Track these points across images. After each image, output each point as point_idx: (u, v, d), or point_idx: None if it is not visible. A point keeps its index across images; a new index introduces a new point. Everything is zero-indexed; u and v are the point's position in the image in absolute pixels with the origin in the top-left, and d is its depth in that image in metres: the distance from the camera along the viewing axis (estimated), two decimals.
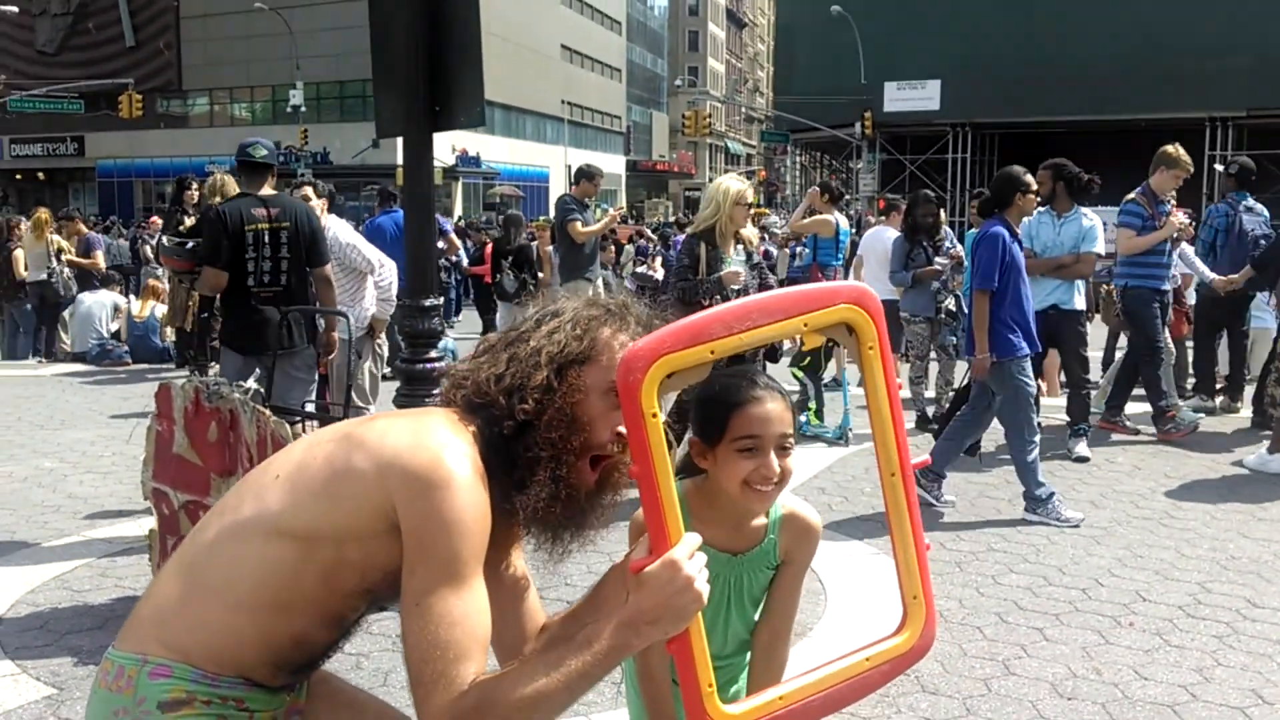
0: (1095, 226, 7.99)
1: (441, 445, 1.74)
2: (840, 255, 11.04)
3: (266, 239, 5.91)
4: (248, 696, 1.83)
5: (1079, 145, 30.28)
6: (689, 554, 1.70)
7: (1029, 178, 6.67)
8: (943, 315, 9.11)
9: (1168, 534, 6.14)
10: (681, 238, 13.65)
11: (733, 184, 6.79)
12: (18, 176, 61.64)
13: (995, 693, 4.14)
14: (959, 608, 4.99)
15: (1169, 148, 8.57)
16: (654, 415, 1.70)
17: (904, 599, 1.99)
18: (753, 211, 6.45)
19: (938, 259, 9.06)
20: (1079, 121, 38.61)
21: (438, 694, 1.63)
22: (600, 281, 11.58)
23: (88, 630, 4.64)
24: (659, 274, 15.90)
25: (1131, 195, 8.49)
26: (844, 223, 11.31)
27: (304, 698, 2.01)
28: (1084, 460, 7.78)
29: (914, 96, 42.77)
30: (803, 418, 8.66)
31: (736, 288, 6.50)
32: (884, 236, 10.59)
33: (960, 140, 42.89)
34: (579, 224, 10.04)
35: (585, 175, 10.66)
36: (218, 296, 6.20)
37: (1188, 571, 5.51)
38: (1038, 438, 6.52)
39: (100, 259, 14.87)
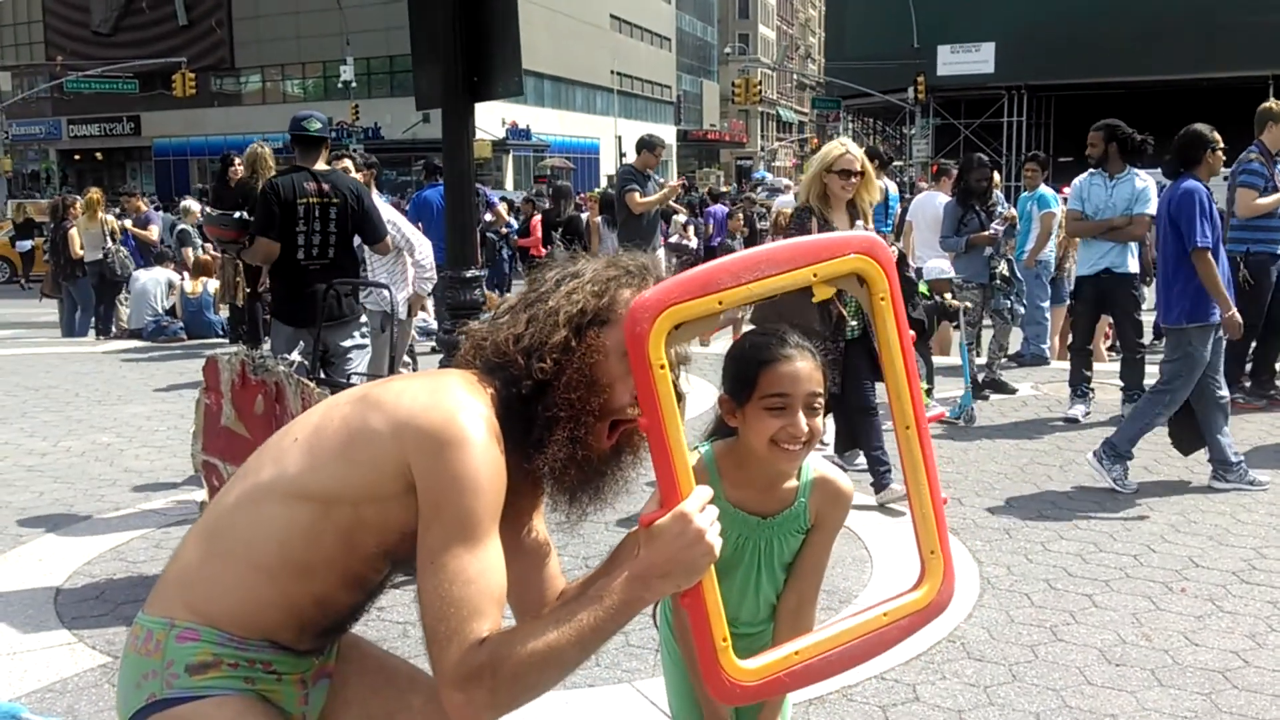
0: (1149, 188, 7.81)
1: (457, 405, 1.75)
2: (889, 222, 10.91)
3: (317, 213, 5.97)
4: (275, 659, 1.85)
5: (1137, 106, 29.76)
6: (700, 507, 1.68)
7: (1216, 135, 6.40)
8: (996, 281, 8.96)
9: (1222, 499, 6.03)
10: (715, 208, 13.53)
11: (831, 148, 6.08)
12: (76, 157, 62.63)
13: (1042, 659, 4.10)
14: (1007, 574, 4.94)
15: (1271, 103, 8.27)
16: (661, 366, 1.68)
17: (921, 554, 1.96)
18: (857, 180, 5.78)
19: (991, 224, 8.90)
20: (1137, 82, 37.88)
21: (452, 649, 1.64)
22: (660, 253, 11.53)
23: (142, 600, 4.70)
24: (693, 242, 15.86)
25: (1251, 155, 8.08)
26: (892, 188, 11.17)
27: (333, 660, 2.03)
28: None
29: (968, 60, 42.16)
30: None
31: None
32: (934, 201, 10.46)
33: (1015, 103, 42.25)
34: (637, 195, 10.00)
35: (646, 146, 10.58)
36: (264, 271, 6.27)
37: (1242, 537, 5.41)
38: (1168, 414, 6.31)
39: (155, 232, 15.08)
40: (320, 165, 6.15)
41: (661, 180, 10.62)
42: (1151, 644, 4.22)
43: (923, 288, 8.05)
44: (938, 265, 8.60)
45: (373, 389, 1.87)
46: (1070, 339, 8.87)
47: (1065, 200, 9.64)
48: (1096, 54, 37.93)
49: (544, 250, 13.83)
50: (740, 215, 17.80)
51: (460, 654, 1.63)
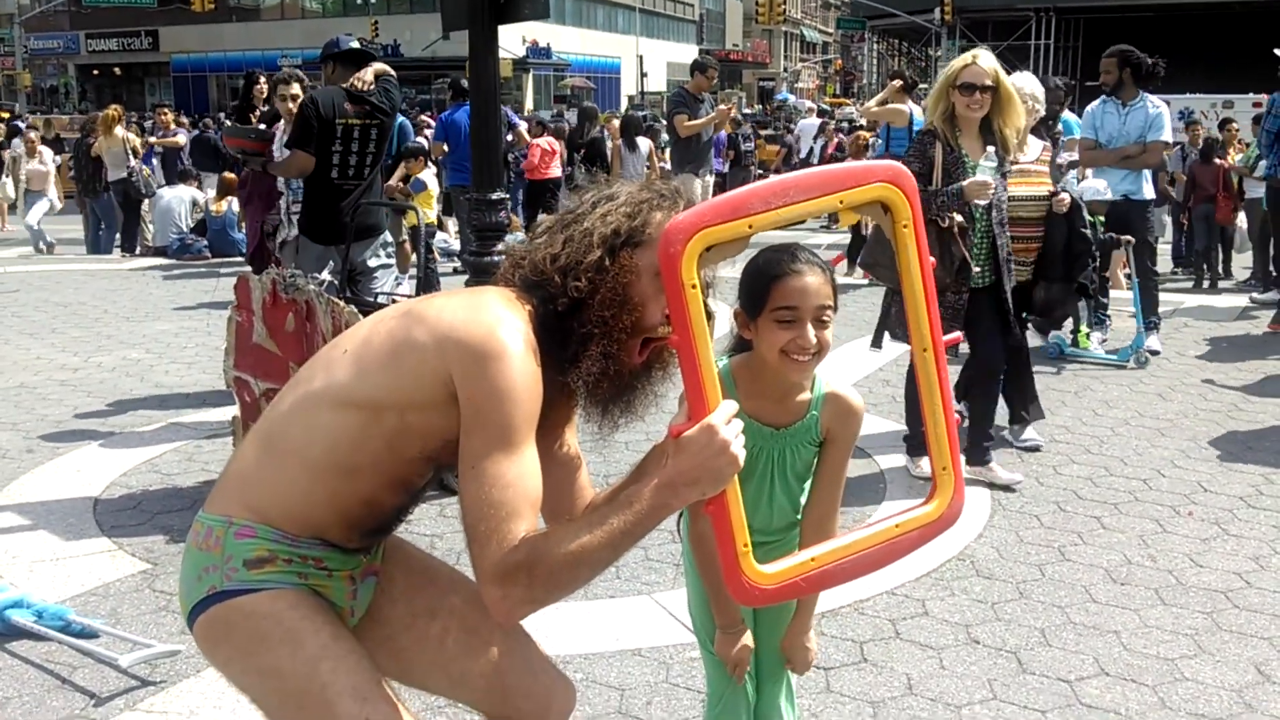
0: (1163, 114, 7.78)
1: (496, 319, 1.85)
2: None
3: (355, 134, 5.94)
4: (325, 556, 1.98)
5: (1168, 29, 29.27)
6: (726, 419, 1.78)
7: None
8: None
9: (1234, 425, 6.12)
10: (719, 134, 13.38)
11: (958, 59, 5.13)
12: (94, 72, 62.32)
13: (1049, 578, 4.23)
14: (1017, 497, 5.05)
15: None
16: (693, 286, 1.77)
17: (934, 470, 2.06)
18: (985, 97, 4.85)
19: (1060, 154, 8.39)
20: (1168, 4, 37.17)
21: (490, 549, 1.75)
22: (710, 177, 11.46)
23: (177, 510, 4.89)
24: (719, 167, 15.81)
25: None
26: (918, 112, 11.09)
27: (379, 560, 2.16)
28: (1155, 354, 7.71)
29: None
30: (1065, 335, 7.80)
31: (983, 202, 4.93)
32: None
33: (1044, 25, 41.58)
34: (685, 118, 9.96)
35: (699, 68, 10.46)
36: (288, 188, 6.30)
37: (1250, 463, 5.51)
38: None
39: (182, 139, 15.10)
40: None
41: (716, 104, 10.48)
42: (1156, 564, 4.34)
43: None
44: (1093, 185, 7.85)
45: (417, 304, 1.97)
46: None
47: None
48: None
49: (547, 172, 13.77)
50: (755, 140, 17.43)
51: (499, 552, 1.74)
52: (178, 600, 2.02)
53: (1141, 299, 7.83)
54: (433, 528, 4.66)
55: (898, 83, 10.88)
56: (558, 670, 2.26)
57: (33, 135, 14.91)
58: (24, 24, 45.01)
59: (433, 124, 14.51)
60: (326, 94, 5.94)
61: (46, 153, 15.25)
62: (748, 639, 2.38)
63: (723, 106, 10.35)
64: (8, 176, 14.54)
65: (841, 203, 1.90)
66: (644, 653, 3.66)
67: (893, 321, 5.24)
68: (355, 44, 6.18)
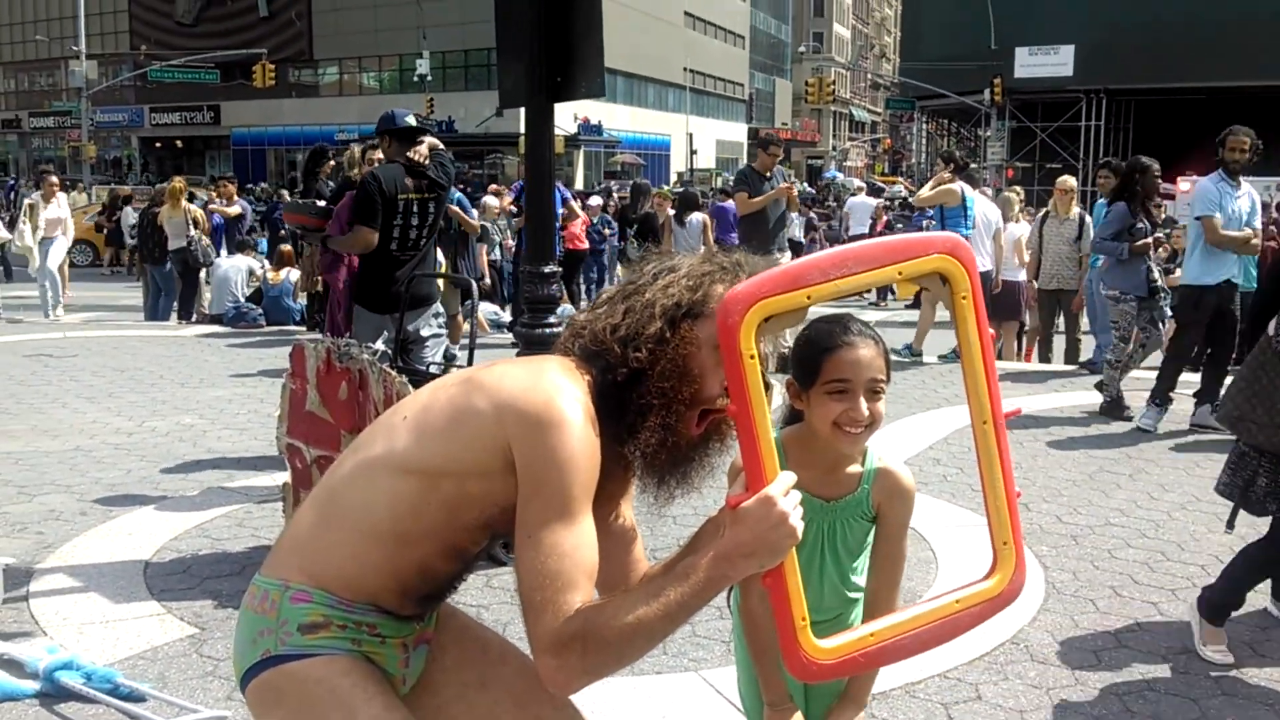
0: (1257, 198, 7.84)
1: (556, 388, 1.85)
2: (969, 223, 10.80)
3: (415, 208, 6.08)
4: (380, 623, 1.97)
5: (1218, 113, 29.14)
6: (784, 491, 1.77)
7: None
8: (1160, 289, 8.47)
9: None
10: (728, 203, 13.55)
11: None
12: (157, 144, 63.98)
13: (1105, 664, 4.13)
14: (1073, 580, 4.96)
15: None
16: (751, 356, 1.77)
17: (994, 545, 2.02)
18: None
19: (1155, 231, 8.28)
20: (1219, 88, 37.10)
21: (546, 619, 1.75)
22: (788, 256, 11.45)
23: (227, 575, 4.91)
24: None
25: None
26: (969, 191, 11.11)
27: (433, 628, 2.15)
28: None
29: (1046, 62, 41.55)
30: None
31: None
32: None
33: (1094, 107, 41.58)
34: (745, 195, 9.97)
35: (762, 145, 10.48)
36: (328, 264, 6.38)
37: None
38: None
39: (237, 209, 15.28)
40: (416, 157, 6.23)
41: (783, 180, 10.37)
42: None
43: None
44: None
45: (476, 372, 1.98)
46: (1168, 348, 8.47)
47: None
48: (1177, 58, 37.22)
49: (583, 243, 13.99)
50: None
51: (554, 623, 1.74)
52: (226, 665, 2.04)
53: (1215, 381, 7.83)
54: (479, 598, 4.65)
55: (945, 171, 10.89)
56: None
57: (53, 180, 15.01)
58: (91, 98, 46.29)
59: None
60: (388, 171, 6.06)
61: (63, 198, 15.25)
62: (797, 718, 2.34)
63: (784, 184, 10.28)
64: (26, 223, 14.54)
65: (900, 274, 1.90)
66: None
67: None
68: (411, 120, 6.31)
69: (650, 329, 1.92)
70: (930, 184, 11.37)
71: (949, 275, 1.92)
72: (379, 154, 6.59)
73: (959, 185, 10.70)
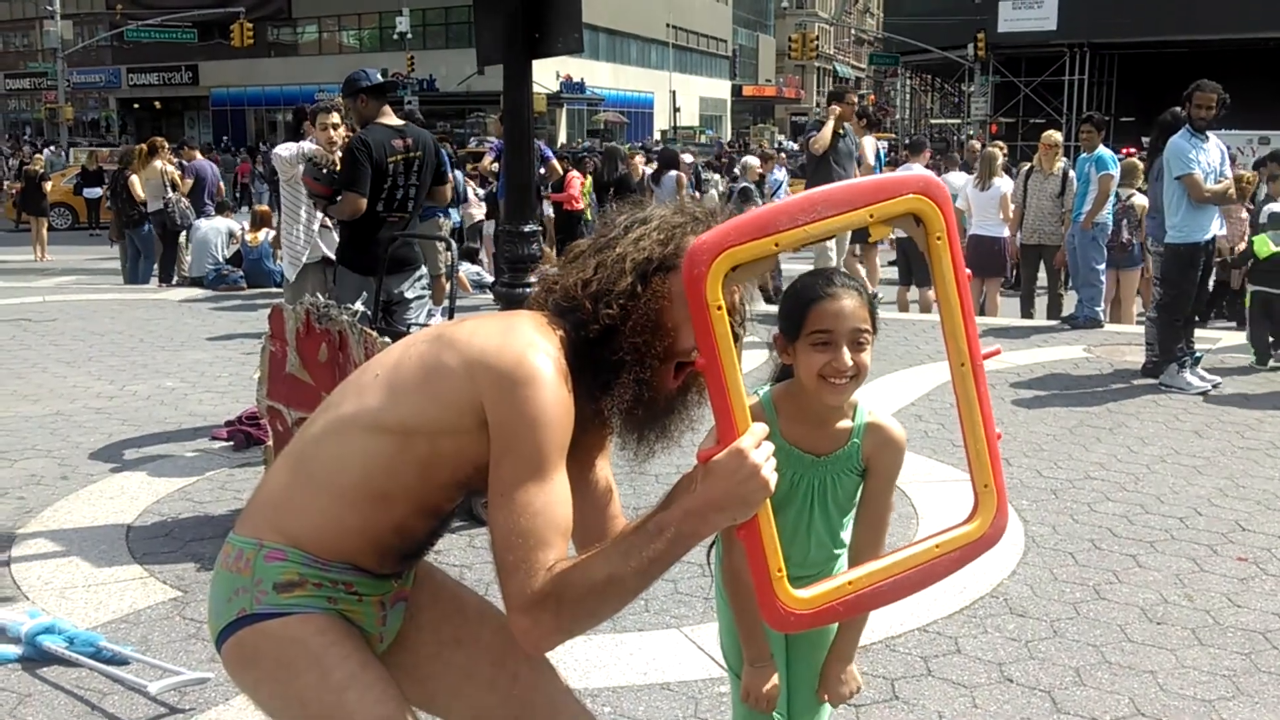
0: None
1: (527, 344, 1.83)
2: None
3: (402, 169, 6.02)
4: (356, 580, 1.97)
5: (1200, 66, 29.09)
6: (756, 443, 1.74)
7: None
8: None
9: (1273, 464, 6.03)
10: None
11: None
12: (135, 105, 63.27)
13: (1084, 616, 4.17)
14: (1052, 534, 5.00)
15: None
16: (719, 307, 1.73)
17: (975, 488, 1.98)
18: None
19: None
20: (1201, 41, 37.01)
21: (519, 577, 1.74)
22: None
23: (209, 538, 4.91)
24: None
25: None
26: (874, 147, 11.00)
27: (410, 586, 2.15)
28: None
29: (1030, 16, 41.38)
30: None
31: None
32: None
33: (1078, 61, 41.47)
34: (813, 138, 9.88)
35: (835, 97, 10.22)
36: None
37: None
38: None
39: (187, 186, 14.90)
40: (395, 119, 6.17)
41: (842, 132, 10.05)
42: (1193, 604, 4.28)
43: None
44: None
45: (447, 328, 1.96)
46: (1158, 313, 8.14)
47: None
48: (1160, 11, 37.09)
49: (579, 204, 13.95)
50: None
51: (527, 582, 1.73)
52: (208, 627, 2.03)
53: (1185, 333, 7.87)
54: (461, 558, 4.66)
55: (836, 107, 10.30)
56: (581, 705, 2.24)
57: None
58: (67, 58, 45.69)
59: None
60: (376, 134, 5.99)
61: None
62: (774, 681, 2.35)
63: (835, 108, 9.94)
64: None
65: (872, 216, 1.84)
66: (673, 687, 3.63)
67: None
68: (380, 77, 6.25)
69: (621, 284, 1.90)
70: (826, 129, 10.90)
71: (923, 216, 1.87)
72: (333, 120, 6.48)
73: (871, 141, 10.56)
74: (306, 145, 6.86)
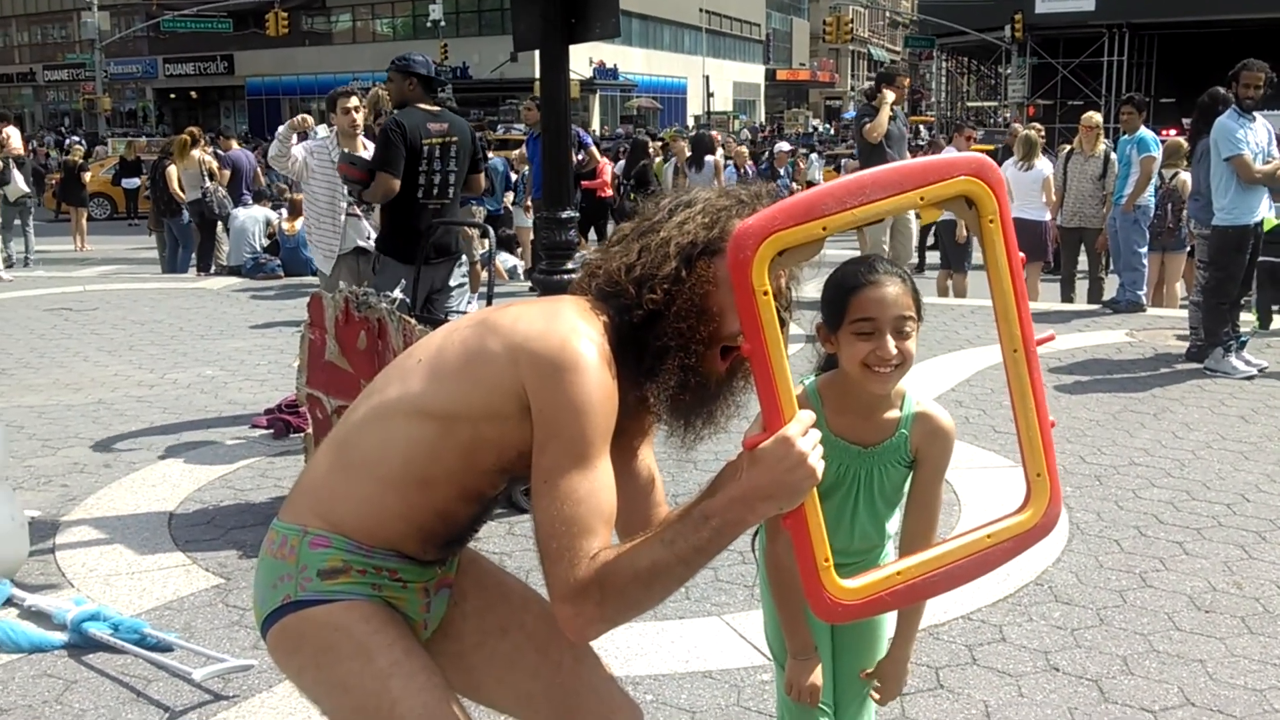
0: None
1: (570, 330, 1.80)
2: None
3: (438, 153, 5.98)
4: (400, 567, 1.96)
5: (1247, 46, 28.65)
6: (803, 430, 1.71)
7: None
8: None
9: None
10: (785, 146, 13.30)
11: None
12: (171, 96, 63.75)
13: (1130, 604, 4.11)
14: (1096, 520, 4.94)
15: None
16: (765, 292, 1.69)
17: (1027, 476, 1.93)
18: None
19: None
20: (1247, 20, 36.44)
21: (563, 566, 1.72)
22: None
23: (250, 526, 4.93)
24: None
25: None
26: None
27: (454, 572, 2.14)
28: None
29: None
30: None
31: None
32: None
33: (1116, 42, 40.99)
34: (868, 125, 9.69)
35: (885, 80, 10.03)
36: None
37: None
38: None
39: (225, 177, 15.02)
40: (431, 105, 6.15)
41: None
42: (1242, 592, 4.21)
43: None
44: None
45: (491, 313, 1.93)
46: (1204, 296, 7.94)
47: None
48: None
49: (609, 192, 13.99)
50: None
51: (571, 570, 1.71)
52: (250, 614, 2.02)
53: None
54: (501, 545, 4.66)
55: (889, 91, 10.13)
56: (625, 693, 2.22)
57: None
58: (104, 49, 46.12)
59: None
60: (410, 117, 5.95)
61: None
62: (818, 674, 2.32)
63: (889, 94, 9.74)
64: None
65: (922, 199, 1.79)
66: (714, 675, 3.61)
67: None
68: (435, 71, 6.23)
69: (665, 269, 1.87)
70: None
71: (975, 198, 1.81)
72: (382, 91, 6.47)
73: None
74: (315, 140, 6.85)
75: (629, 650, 3.72)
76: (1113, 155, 10.62)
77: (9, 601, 4.14)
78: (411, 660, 1.91)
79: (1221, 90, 7.91)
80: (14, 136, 14.57)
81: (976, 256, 7.29)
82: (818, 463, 1.70)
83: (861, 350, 2.05)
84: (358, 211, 6.98)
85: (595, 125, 49.67)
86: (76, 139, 34.78)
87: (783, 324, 1.78)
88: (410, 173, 5.92)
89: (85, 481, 5.57)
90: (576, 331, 1.80)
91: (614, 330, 1.88)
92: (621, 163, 16.49)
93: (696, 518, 1.73)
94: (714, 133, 20.10)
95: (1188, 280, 10.37)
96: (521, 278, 12.61)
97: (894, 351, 2.03)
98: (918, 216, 10.20)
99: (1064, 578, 4.34)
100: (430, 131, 5.94)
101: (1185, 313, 8.73)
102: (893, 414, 2.23)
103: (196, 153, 13.91)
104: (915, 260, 10.00)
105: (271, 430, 6.35)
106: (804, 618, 2.26)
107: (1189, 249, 10.32)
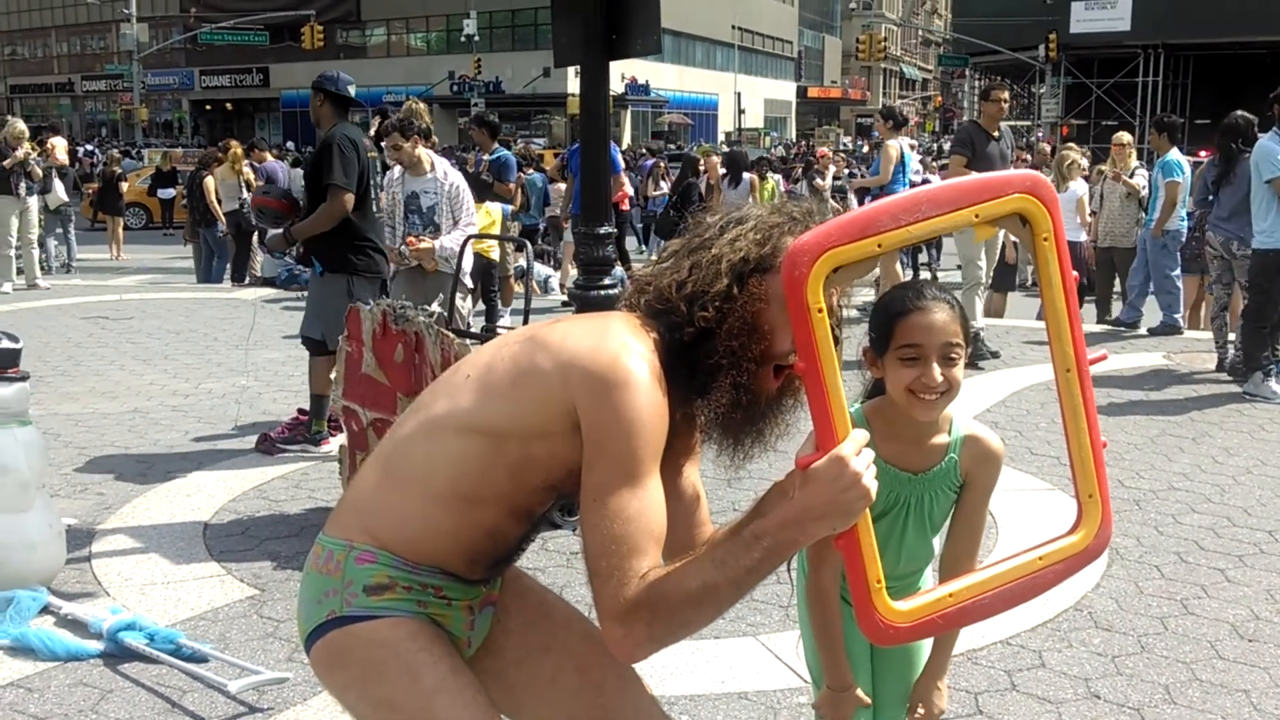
0: None
1: (621, 347, 1.79)
2: (906, 179, 10.48)
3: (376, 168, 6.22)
4: (445, 585, 1.94)
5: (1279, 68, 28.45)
6: (856, 450, 1.69)
7: None
8: None
9: None
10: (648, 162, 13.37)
11: None
12: (207, 107, 64.41)
13: (1172, 631, 4.06)
14: (1136, 545, 4.88)
15: None
16: (819, 310, 1.68)
17: (1079, 497, 1.91)
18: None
19: None
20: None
21: (611, 586, 1.70)
22: (1001, 233, 10.93)
23: (285, 537, 4.94)
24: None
25: None
26: (905, 147, 10.81)
27: (498, 590, 2.12)
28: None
29: (1103, 17, 40.76)
30: None
31: None
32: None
33: (1152, 63, 40.76)
34: (962, 160, 8.65)
35: (982, 96, 9.42)
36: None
37: None
38: None
39: (273, 173, 15.18)
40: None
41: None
42: None
43: None
44: None
45: (540, 329, 1.92)
46: (1244, 319, 7.88)
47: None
48: (1237, 12, 36.32)
49: (626, 205, 14.11)
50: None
51: (620, 590, 1.69)
52: (286, 626, 2.03)
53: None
54: (535, 561, 4.64)
55: (884, 128, 10.41)
56: (664, 714, 2.20)
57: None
58: (142, 61, 46.67)
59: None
60: (354, 132, 6.12)
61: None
62: (853, 710, 2.29)
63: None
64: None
65: (977, 217, 1.78)
66: (750, 696, 3.58)
67: None
68: (353, 90, 6.30)
69: (717, 286, 1.85)
70: (880, 162, 10.72)
71: (1029, 216, 1.80)
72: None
73: (897, 143, 10.44)
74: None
75: (664, 670, 3.69)
76: (1145, 174, 10.57)
77: (46, 609, 4.15)
78: (457, 678, 1.89)
79: (1243, 113, 7.88)
80: (59, 147, 14.79)
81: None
82: (871, 483, 1.68)
83: (907, 376, 2.04)
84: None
85: (626, 140, 49.75)
86: (122, 148, 35.17)
87: (835, 341, 1.77)
88: (364, 187, 6.07)
89: (121, 490, 5.60)
90: (627, 348, 1.79)
91: (664, 347, 1.86)
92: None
93: (747, 538, 1.71)
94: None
95: (1205, 296, 10.27)
96: (558, 290, 12.66)
97: (940, 379, 2.02)
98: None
99: (1104, 604, 4.28)
100: (367, 146, 6.17)
101: None
102: (941, 439, 2.21)
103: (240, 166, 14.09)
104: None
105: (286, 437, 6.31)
106: (843, 652, 2.24)
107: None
